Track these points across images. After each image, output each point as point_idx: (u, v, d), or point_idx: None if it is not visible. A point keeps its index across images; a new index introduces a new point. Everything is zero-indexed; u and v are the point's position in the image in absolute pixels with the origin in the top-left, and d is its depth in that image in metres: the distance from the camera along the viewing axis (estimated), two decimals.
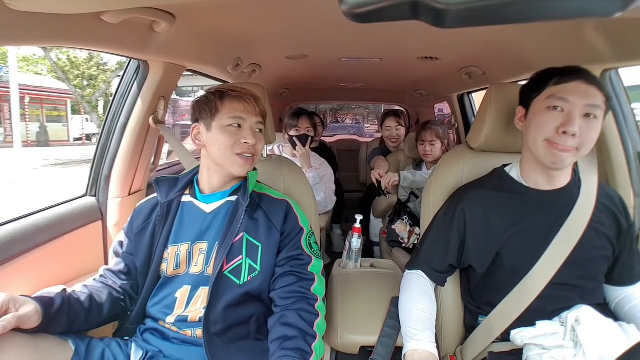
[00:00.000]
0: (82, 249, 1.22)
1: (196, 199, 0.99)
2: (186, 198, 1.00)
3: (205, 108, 0.96)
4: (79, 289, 0.90)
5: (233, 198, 0.99)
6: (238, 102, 0.94)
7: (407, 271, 1.06)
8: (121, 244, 1.01)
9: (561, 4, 0.24)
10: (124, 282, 0.97)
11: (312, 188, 1.98)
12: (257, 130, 0.98)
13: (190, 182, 1.02)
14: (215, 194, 0.99)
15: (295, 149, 2.14)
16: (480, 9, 0.24)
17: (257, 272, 0.92)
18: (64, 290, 0.85)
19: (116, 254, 1.01)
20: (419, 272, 1.02)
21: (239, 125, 0.94)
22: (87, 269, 1.22)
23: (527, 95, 0.92)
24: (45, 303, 0.77)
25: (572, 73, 0.84)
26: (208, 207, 0.98)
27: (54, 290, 0.84)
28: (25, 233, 1.02)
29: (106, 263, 1.29)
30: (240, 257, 0.92)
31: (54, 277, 1.11)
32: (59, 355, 0.78)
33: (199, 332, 0.89)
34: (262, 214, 0.98)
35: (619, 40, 0.98)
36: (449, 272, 1.02)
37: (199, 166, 1.04)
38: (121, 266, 0.98)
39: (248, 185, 0.96)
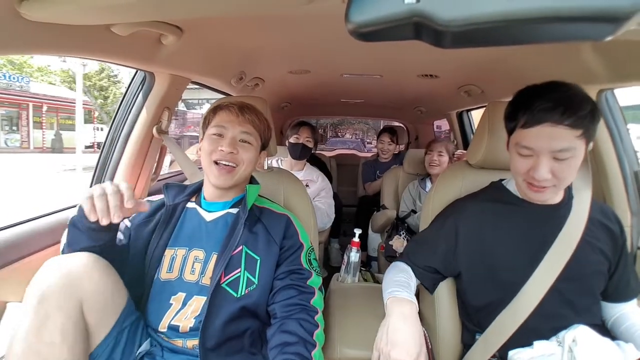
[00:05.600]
0: None
1: (200, 206, 1.00)
2: (191, 204, 1.01)
3: (204, 121, 1.02)
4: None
5: (234, 210, 0.99)
6: (223, 112, 0.98)
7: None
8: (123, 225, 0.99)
9: (555, 28, 0.26)
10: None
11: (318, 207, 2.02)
12: (243, 141, 0.97)
13: (198, 189, 1.04)
14: (217, 204, 1.00)
15: (294, 158, 2.18)
16: (477, 31, 0.25)
17: (254, 286, 0.92)
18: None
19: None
20: (402, 263, 1.04)
21: (221, 135, 0.96)
22: None
23: (506, 126, 0.91)
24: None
25: (538, 114, 0.79)
26: (209, 216, 0.98)
27: None
28: (23, 239, 1.02)
29: None
30: (239, 269, 0.92)
31: None
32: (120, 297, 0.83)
33: (189, 343, 0.88)
34: (262, 227, 0.98)
35: (615, 62, 1.01)
36: (431, 273, 1.01)
37: None
38: (121, 237, 0.96)
39: (247, 199, 0.97)
